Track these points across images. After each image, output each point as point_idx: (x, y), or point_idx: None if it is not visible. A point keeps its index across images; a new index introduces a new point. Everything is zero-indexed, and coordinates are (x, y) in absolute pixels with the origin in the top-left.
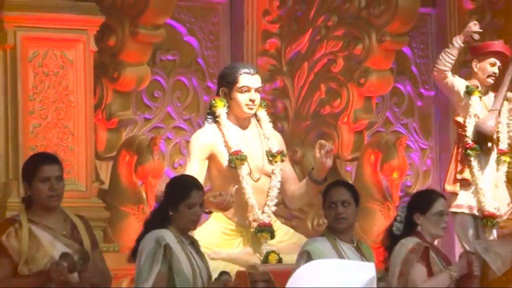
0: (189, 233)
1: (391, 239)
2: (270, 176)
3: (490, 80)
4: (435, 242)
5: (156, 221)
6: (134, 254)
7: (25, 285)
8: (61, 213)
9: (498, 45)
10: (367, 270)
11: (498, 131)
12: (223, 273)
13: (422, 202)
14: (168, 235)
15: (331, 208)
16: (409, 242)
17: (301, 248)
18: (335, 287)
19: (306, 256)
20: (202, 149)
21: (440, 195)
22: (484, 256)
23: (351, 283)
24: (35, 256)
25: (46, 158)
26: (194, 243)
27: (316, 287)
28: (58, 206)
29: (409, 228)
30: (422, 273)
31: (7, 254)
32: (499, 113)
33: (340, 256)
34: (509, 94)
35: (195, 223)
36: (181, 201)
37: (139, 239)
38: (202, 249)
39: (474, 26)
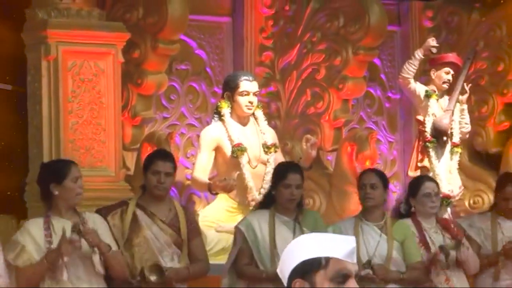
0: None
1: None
2: (265, 164)
3: (445, 86)
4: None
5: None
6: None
7: (39, 267)
8: (169, 202)
9: (451, 57)
10: (349, 243)
11: (451, 128)
12: None
13: (412, 187)
14: None
15: (361, 189)
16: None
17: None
18: (321, 256)
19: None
20: (210, 142)
21: (427, 178)
22: (468, 231)
23: (336, 254)
24: (132, 235)
25: (161, 155)
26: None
27: (306, 257)
28: (166, 196)
29: (408, 209)
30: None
31: (110, 231)
32: (453, 112)
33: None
34: (460, 97)
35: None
36: None
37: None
38: (209, 224)
39: (432, 42)
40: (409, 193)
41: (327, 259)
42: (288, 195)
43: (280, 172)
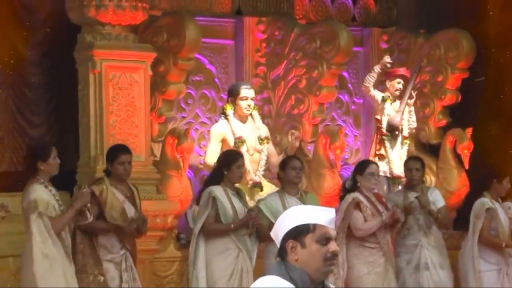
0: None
1: (344, 193)
2: (260, 153)
3: (397, 93)
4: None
5: (211, 180)
6: (197, 201)
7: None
8: (127, 183)
9: (402, 70)
10: (330, 213)
11: (402, 124)
12: (250, 210)
13: (360, 167)
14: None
15: (407, 172)
16: (349, 197)
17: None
18: (310, 222)
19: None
20: (218, 136)
21: (372, 162)
22: (424, 201)
23: (321, 221)
24: (113, 206)
25: (122, 149)
26: (239, 195)
27: (298, 224)
28: (126, 179)
29: (354, 185)
30: (359, 217)
31: (97, 202)
32: (402, 113)
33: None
34: (409, 101)
35: (240, 178)
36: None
37: (200, 192)
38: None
39: (387, 59)
40: (356, 172)
41: (314, 225)
42: (293, 175)
43: (285, 160)
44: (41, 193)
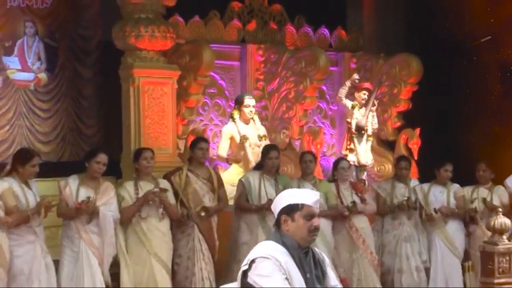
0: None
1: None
2: (259, 147)
3: (363, 102)
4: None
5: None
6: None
7: (132, 207)
8: (207, 167)
9: (366, 84)
10: (316, 195)
11: (366, 126)
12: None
13: (335, 163)
14: None
15: (398, 170)
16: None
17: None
18: (299, 202)
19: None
20: (227, 134)
21: (342, 159)
22: (378, 190)
23: (308, 202)
24: (186, 187)
25: (200, 139)
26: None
27: (290, 202)
28: (204, 163)
29: (333, 178)
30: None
31: (173, 186)
32: (367, 117)
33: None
34: (372, 108)
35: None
36: None
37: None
38: (226, 181)
39: (355, 76)
40: (333, 168)
41: (303, 205)
42: (271, 164)
43: (265, 150)
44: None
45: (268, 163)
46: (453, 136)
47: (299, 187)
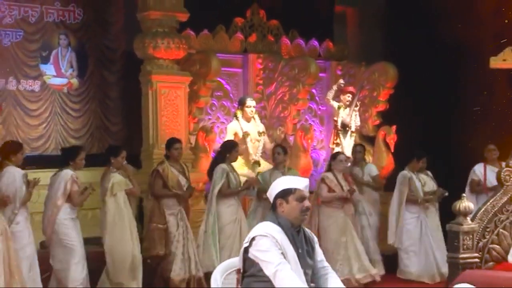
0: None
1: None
2: (259, 141)
3: (347, 103)
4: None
5: (219, 159)
6: (209, 174)
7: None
8: (180, 163)
9: (350, 88)
10: (306, 182)
11: (350, 123)
12: (247, 180)
13: (334, 156)
14: (224, 166)
15: (354, 153)
16: (321, 175)
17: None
18: (292, 187)
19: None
20: (231, 131)
21: (341, 153)
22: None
23: (300, 186)
24: (171, 179)
25: (176, 141)
26: (235, 170)
27: (285, 187)
28: (179, 160)
29: (329, 168)
30: (323, 187)
31: (162, 177)
32: (351, 116)
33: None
34: (355, 108)
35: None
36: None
37: (211, 168)
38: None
39: (341, 81)
40: (331, 159)
41: (295, 189)
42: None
43: (274, 149)
44: (117, 176)
45: (278, 158)
46: (426, 132)
47: (270, 175)
